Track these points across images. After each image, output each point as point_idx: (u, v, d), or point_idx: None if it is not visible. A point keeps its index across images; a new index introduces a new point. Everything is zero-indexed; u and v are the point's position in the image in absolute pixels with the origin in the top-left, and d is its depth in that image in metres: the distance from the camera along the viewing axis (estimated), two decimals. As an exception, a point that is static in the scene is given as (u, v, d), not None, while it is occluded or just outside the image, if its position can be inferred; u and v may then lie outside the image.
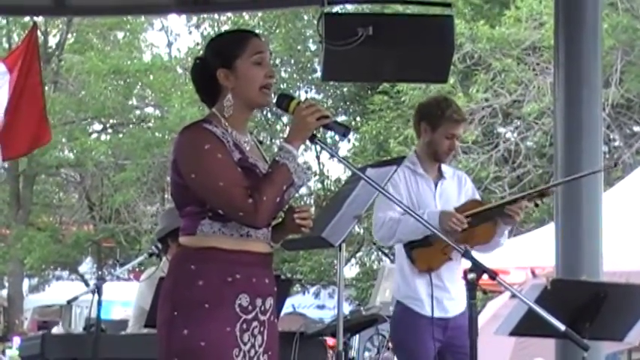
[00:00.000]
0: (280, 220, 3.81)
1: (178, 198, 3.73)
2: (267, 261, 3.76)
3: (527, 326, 4.45)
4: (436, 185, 5.54)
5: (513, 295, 3.91)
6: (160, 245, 6.11)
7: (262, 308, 3.69)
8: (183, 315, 3.56)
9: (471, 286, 3.58)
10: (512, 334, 4.62)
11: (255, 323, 3.66)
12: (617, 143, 22.43)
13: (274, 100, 3.76)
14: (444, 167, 5.63)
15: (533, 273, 10.44)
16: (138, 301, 6.38)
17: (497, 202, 5.57)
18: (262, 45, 3.79)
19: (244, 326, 3.62)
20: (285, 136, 3.70)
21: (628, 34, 19.77)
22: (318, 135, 3.73)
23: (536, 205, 5.45)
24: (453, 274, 5.38)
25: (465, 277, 3.55)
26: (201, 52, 3.92)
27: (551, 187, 5.86)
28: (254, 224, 3.62)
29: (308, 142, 3.72)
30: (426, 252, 5.33)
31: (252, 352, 3.64)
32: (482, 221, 5.34)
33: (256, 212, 3.55)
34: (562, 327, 3.63)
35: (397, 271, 5.50)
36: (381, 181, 4.59)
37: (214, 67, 3.72)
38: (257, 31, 27.04)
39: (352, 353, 7.40)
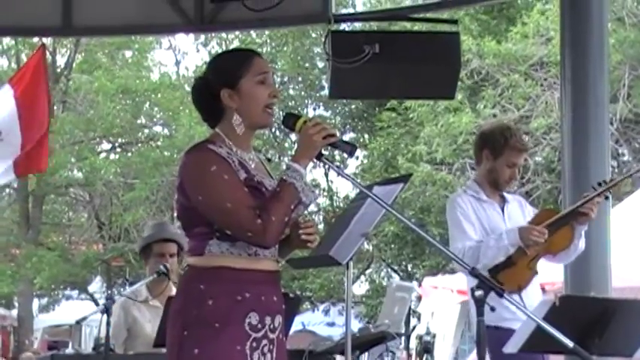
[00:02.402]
0: (286, 235, 3.81)
1: (186, 220, 3.73)
2: (276, 278, 3.77)
3: (536, 342, 4.43)
4: (502, 209, 5.57)
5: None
6: (167, 265, 6.12)
7: (271, 326, 3.69)
8: (193, 334, 3.56)
9: (479, 304, 3.57)
10: (522, 350, 4.61)
11: (264, 341, 3.66)
12: (625, 158, 22.42)
13: (281, 119, 3.76)
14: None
15: (542, 289, 10.40)
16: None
17: (570, 207, 5.59)
18: (266, 64, 3.80)
19: (254, 344, 3.62)
20: (293, 154, 3.70)
21: (635, 48, 19.78)
22: (326, 153, 3.74)
23: (606, 198, 5.56)
24: (535, 288, 5.48)
25: (472, 295, 3.54)
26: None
27: (623, 179, 5.88)
28: (263, 244, 3.62)
29: (315, 160, 3.72)
30: (511, 272, 5.31)
31: (262, 369, 3.64)
32: (558, 228, 5.38)
33: (265, 232, 3.55)
34: (570, 343, 3.62)
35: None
36: (388, 199, 4.59)
37: (218, 87, 3.71)
38: (264, 49, 27.15)
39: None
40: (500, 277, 5.30)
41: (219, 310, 3.57)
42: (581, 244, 5.57)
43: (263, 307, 3.66)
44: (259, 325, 3.64)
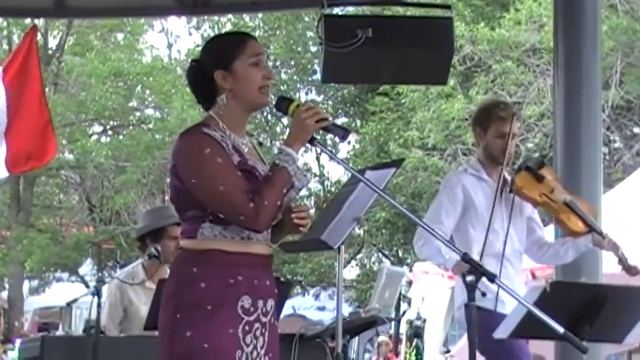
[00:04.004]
0: (278, 220, 3.81)
1: (179, 203, 3.72)
2: (268, 262, 3.77)
3: (527, 328, 4.44)
4: (502, 192, 5.56)
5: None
6: (158, 248, 6.12)
7: (264, 310, 3.69)
8: (186, 317, 3.56)
9: (470, 289, 3.58)
10: (512, 335, 4.62)
11: (257, 325, 3.66)
12: (617, 145, 22.45)
13: (274, 103, 3.76)
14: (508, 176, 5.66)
15: (533, 275, 10.44)
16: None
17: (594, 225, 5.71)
18: (260, 47, 3.79)
19: (246, 328, 3.62)
20: (285, 138, 3.70)
21: (628, 35, 19.79)
22: (318, 137, 3.73)
23: None
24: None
25: (463, 279, 3.55)
26: (201, 53, 3.92)
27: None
28: (255, 228, 3.62)
29: (308, 144, 3.71)
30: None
31: (255, 353, 3.65)
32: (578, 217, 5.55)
33: (257, 216, 3.55)
34: (561, 329, 3.63)
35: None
36: (380, 184, 4.59)
37: (212, 69, 3.71)
38: (257, 33, 27.10)
39: (352, 355, 7.37)
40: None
41: (212, 293, 3.57)
42: (571, 257, 5.67)
43: (255, 291, 3.65)
44: (252, 309, 3.64)
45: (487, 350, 5.30)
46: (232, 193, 3.54)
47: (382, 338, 17.52)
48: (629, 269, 5.57)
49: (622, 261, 5.57)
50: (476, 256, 5.34)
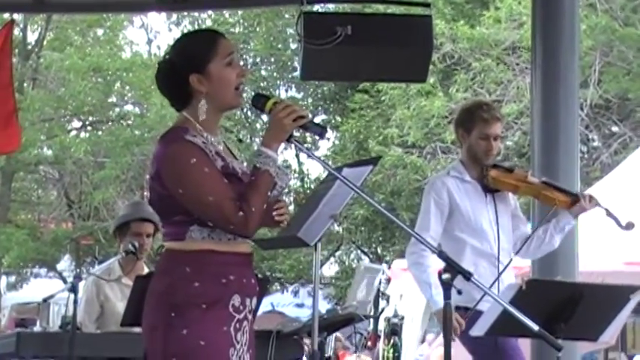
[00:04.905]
0: None
1: (163, 209, 3.70)
2: (251, 261, 3.80)
3: (503, 326, 4.46)
4: (486, 192, 5.59)
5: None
6: (135, 244, 6.13)
7: (250, 308, 3.74)
8: (181, 316, 3.57)
9: (446, 286, 3.58)
10: (488, 333, 4.64)
11: (245, 323, 3.70)
12: (595, 143, 22.53)
13: (251, 100, 3.76)
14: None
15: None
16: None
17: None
18: (231, 45, 3.78)
19: (237, 326, 3.66)
20: (263, 137, 3.70)
21: (606, 34, 19.85)
22: (297, 134, 3.73)
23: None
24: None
25: (439, 277, 3.55)
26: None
27: None
28: (245, 235, 3.65)
29: (285, 142, 3.71)
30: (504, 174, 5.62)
31: (242, 350, 3.69)
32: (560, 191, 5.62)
33: (247, 224, 3.57)
34: (535, 327, 3.65)
35: None
36: (357, 181, 4.60)
37: (186, 73, 3.67)
38: (237, 29, 27.08)
39: (329, 352, 7.39)
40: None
41: (206, 292, 3.59)
42: (557, 241, 5.67)
43: (244, 289, 3.69)
44: (241, 307, 3.68)
45: (476, 351, 5.33)
46: (222, 203, 3.55)
47: (337, 334, 17.49)
48: (622, 225, 5.58)
49: (612, 216, 5.58)
50: (469, 258, 5.38)
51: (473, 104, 5.87)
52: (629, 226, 5.59)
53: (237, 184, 3.62)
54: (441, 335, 5.86)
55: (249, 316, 3.73)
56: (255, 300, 3.77)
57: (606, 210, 5.61)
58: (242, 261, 3.71)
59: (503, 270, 5.42)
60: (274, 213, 3.83)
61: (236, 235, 3.65)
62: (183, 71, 3.68)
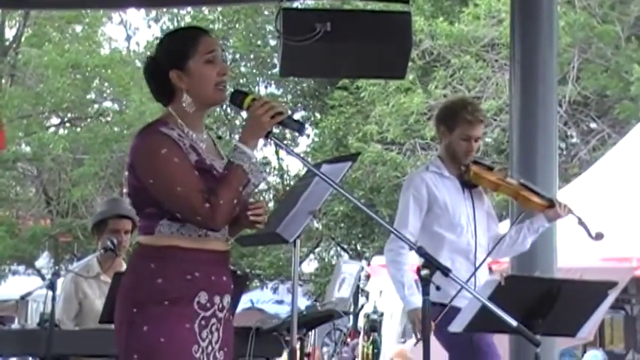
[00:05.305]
0: (236, 214, 3.80)
1: (137, 200, 3.73)
2: (225, 258, 3.78)
3: (481, 322, 4.47)
4: (464, 187, 5.62)
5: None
6: (114, 241, 6.12)
7: (220, 306, 3.72)
8: (143, 312, 3.58)
9: (425, 282, 3.59)
10: (467, 330, 4.65)
11: (213, 320, 3.69)
12: (574, 140, 22.61)
13: (229, 97, 3.75)
14: None
15: (489, 269, 10.47)
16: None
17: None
18: (213, 43, 3.79)
19: (203, 323, 3.65)
20: (241, 133, 3.69)
21: (585, 31, 19.91)
22: (277, 131, 3.72)
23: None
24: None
25: (417, 273, 3.56)
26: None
27: None
28: (212, 227, 3.64)
29: (264, 139, 3.71)
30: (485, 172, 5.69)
31: (210, 348, 3.67)
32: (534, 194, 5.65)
33: (213, 216, 3.56)
34: (514, 323, 3.66)
35: None
36: (336, 177, 4.61)
37: (167, 69, 3.72)
38: (216, 25, 27.01)
39: (308, 348, 7.39)
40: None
41: (169, 288, 3.59)
42: (530, 242, 5.71)
43: (212, 287, 3.68)
44: (208, 304, 3.67)
45: (452, 347, 5.34)
46: (189, 194, 3.55)
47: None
48: (592, 235, 5.62)
49: (583, 225, 5.61)
50: (446, 254, 5.39)
51: (458, 102, 5.84)
52: (599, 236, 5.63)
53: (211, 181, 3.62)
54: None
55: (221, 314, 3.72)
56: (228, 298, 3.75)
57: (579, 219, 5.64)
58: (213, 258, 3.69)
59: (479, 266, 5.45)
60: (249, 213, 3.81)
61: (206, 230, 3.64)
62: (164, 67, 3.72)
